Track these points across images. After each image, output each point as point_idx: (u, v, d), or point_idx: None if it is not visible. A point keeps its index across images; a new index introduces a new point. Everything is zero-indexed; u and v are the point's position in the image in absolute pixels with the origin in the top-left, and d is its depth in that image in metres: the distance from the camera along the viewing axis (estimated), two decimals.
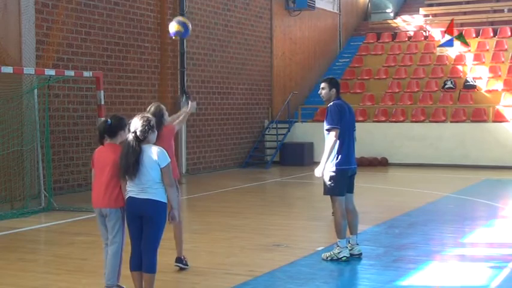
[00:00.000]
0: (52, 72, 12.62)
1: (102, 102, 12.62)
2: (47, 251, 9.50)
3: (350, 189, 8.34)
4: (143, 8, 17.40)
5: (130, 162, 6.11)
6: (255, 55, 22.29)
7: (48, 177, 13.02)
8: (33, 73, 12.50)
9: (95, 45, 15.88)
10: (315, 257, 8.41)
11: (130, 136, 6.15)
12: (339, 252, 8.13)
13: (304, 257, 8.46)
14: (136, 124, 6.16)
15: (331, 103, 8.22)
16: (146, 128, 6.14)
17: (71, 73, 13.18)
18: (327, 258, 8.17)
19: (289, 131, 22.28)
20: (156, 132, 6.31)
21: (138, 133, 6.13)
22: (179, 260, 7.90)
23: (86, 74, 13.24)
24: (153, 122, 6.23)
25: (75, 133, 15.25)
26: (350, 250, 8.27)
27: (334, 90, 8.26)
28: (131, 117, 6.35)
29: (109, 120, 6.56)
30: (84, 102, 15.35)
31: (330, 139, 8.03)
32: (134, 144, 6.11)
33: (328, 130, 8.07)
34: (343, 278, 7.84)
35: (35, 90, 12.79)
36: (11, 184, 12.78)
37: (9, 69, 11.62)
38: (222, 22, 20.58)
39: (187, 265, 7.92)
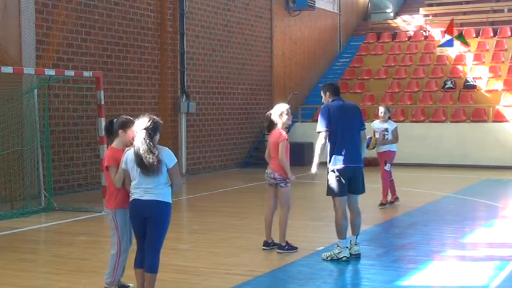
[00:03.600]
0: (52, 72, 12.61)
1: (102, 102, 12.61)
2: (47, 251, 9.49)
3: (354, 189, 8.29)
4: (143, 8, 17.40)
5: (148, 159, 6.03)
6: (255, 55, 22.29)
7: (48, 177, 13.02)
8: (33, 73, 12.49)
9: (95, 45, 15.88)
10: (315, 257, 8.41)
11: (143, 133, 6.06)
12: (339, 252, 8.13)
13: (304, 257, 8.46)
14: (143, 122, 6.11)
15: (322, 106, 8.39)
16: (155, 125, 6.11)
17: (71, 73, 13.17)
18: (327, 258, 8.17)
19: (289, 131, 22.21)
20: (159, 135, 6.27)
21: (149, 130, 6.06)
22: (279, 246, 8.67)
23: (86, 74, 13.24)
24: (158, 124, 6.18)
25: (75, 133, 15.25)
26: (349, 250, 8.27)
27: (328, 93, 8.42)
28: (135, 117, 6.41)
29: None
30: (84, 102, 15.34)
31: (318, 141, 8.25)
32: (148, 140, 6.03)
33: (318, 132, 8.28)
34: (343, 278, 7.84)
35: (35, 90, 12.79)
36: (11, 184, 12.78)
37: (9, 69, 11.62)
38: (222, 22, 20.58)
39: (293, 248, 8.66)
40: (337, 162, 8.14)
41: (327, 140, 8.21)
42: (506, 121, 20.75)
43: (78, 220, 11.55)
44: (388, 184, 12.60)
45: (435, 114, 21.91)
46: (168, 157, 6.14)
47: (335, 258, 8.12)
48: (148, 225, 6.20)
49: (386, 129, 12.49)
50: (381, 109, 12.78)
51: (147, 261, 6.24)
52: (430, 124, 21.66)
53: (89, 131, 15.26)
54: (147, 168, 6.03)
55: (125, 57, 16.82)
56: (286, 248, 8.64)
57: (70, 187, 15.08)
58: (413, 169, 20.28)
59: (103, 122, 12.53)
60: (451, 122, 21.42)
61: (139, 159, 6.05)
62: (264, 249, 8.81)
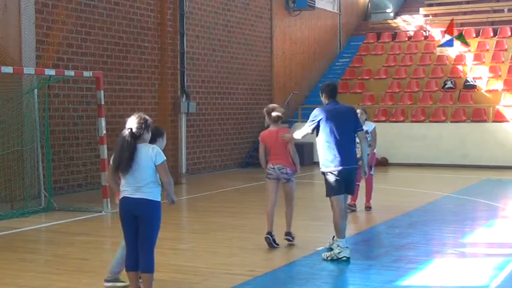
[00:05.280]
0: (52, 72, 12.61)
1: (102, 102, 12.61)
2: (47, 251, 9.50)
3: (349, 190, 8.38)
4: (143, 8, 17.39)
5: (123, 157, 6.14)
6: (255, 55, 22.28)
7: (48, 177, 13.02)
8: (33, 73, 12.49)
9: (95, 45, 15.88)
10: (315, 257, 8.41)
11: (126, 132, 6.19)
12: (339, 252, 8.13)
13: (304, 257, 8.46)
14: (132, 122, 6.21)
15: (316, 108, 8.53)
16: (142, 125, 6.18)
17: (71, 73, 13.17)
18: (327, 258, 8.17)
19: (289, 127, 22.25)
20: (150, 133, 6.31)
21: (133, 130, 6.16)
22: (288, 234, 9.08)
23: (86, 74, 13.23)
24: (149, 121, 6.26)
25: (75, 133, 15.24)
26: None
27: (323, 94, 8.51)
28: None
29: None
30: (84, 102, 15.34)
31: (302, 130, 8.63)
32: (129, 139, 6.14)
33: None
34: (343, 278, 7.84)
35: (35, 90, 12.79)
36: (11, 184, 12.78)
37: (9, 69, 11.61)
38: (222, 22, 20.58)
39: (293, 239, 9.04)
40: (334, 164, 8.18)
41: (318, 140, 8.33)
42: (506, 121, 20.75)
43: (78, 220, 11.55)
44: (358, 188, 12.22)
45: (435, 114, 21.91)
46: (156, 154, 6.17)
47: (335, 258, 8.13)
48: (139, 224, 6.21)
49: (366, 131, 12.45)
50: (357, 111, 12.71)
51: (142, 262, 6.23)
52: (430, 124, 21.66)
53: (89, 131, 15.26)
54: (119, 164, 6.17)
55: (125, 57, 16.82)
56: (293, 240, 9.02)
57: (70, 187, 15.07)
58: (413, 169, 20.29)
59: (103, 122, 12.54)
60: (451, 122, 21.42)
61: (115, 156, 6.23)
62: (266, 237, 8.92)
